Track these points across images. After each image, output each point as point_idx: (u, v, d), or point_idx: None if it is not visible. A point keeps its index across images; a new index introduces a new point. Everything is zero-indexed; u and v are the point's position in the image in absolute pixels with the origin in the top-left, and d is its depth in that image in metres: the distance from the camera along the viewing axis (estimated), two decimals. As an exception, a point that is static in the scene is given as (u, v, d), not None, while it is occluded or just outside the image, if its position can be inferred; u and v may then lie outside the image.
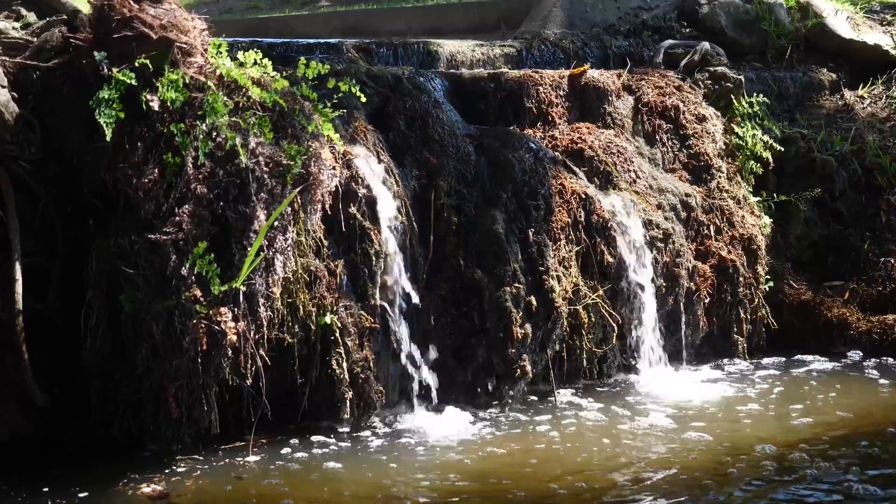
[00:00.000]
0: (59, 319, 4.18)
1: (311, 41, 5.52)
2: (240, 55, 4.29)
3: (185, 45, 4.09)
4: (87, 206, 4.13)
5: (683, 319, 5.35)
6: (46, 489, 3.71)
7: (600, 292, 5.04)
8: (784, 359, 5.53)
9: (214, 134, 4.01)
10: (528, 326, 4.77)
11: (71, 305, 4.12)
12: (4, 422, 4.08)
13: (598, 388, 5.01)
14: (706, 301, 5.45)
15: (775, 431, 4.36)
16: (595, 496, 3.67)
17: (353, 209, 4.44)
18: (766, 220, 5.82)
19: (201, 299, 3.90)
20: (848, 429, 4.36)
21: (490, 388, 4.76)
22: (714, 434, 4.31)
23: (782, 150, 5.97)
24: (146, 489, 3.70)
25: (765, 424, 4.47)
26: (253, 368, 4.06)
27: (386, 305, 4.51)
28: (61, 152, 4.17)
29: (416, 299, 4.57)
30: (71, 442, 4.10)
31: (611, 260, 5.08)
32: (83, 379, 4.08)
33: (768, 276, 5.74)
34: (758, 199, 5.87)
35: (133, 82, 3.94)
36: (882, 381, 5.13)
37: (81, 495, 3.69)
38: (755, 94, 6.09)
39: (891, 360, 5.45)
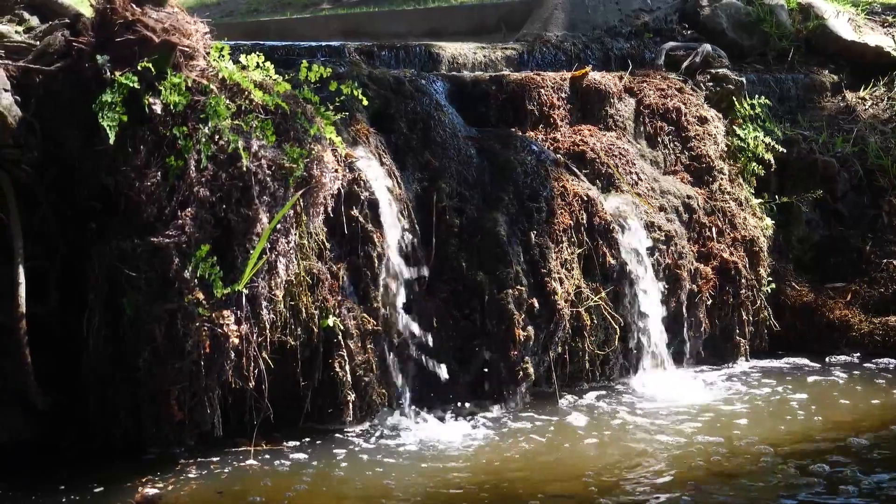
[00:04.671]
0: (59, 323, 4.16)
1: (313, 44, 5.51)
2: (242, 58, 4.29)
3: (187, 49, 4.09)
4: (87, 210, 4.12)
5: (685, 321, 5.36)
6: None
7: (602, 294, 5.04)
8: (786, 360, 5.54)
9: (217, 137, 4.02)
10: (530, 328, 4.77)
11: (72, 308, 4.12)
12: (5, 426, 4.07)
13: (601, 390, 5.00)
14: (708, 303, 5.45)
15: (777, 433, 4.36)
16: (599, 498, 3.67)
17: (355, 212, 4.44)
18: (768, 221, 5.83)
19: (204, 302, 3.90)
20: (851, 431, 4.35)
21: (492, 390, 4.77)
22: (718, 436, 4.31)
23: (784, 151, 5.98)
24: (149, 490, 3.69)
25: (767, 426, 4.47)
26: (255, 371, 4.06)
27: (388, 308, 4.51)
28: (62, 155, 4.16)
29: (418, 302, 4.57)
30: (72, 445, 4.09)
31: (613, 262, 5.08)
32: (84, 382, 4.07)
33: (770, 278, 5.74)
34: (759, 200, 5.88)
35: (135, 86, 3.93)
36: (884, 383, 5.13)
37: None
38: (756, 95, 6.09)
39: (893, 361, 5.45)
